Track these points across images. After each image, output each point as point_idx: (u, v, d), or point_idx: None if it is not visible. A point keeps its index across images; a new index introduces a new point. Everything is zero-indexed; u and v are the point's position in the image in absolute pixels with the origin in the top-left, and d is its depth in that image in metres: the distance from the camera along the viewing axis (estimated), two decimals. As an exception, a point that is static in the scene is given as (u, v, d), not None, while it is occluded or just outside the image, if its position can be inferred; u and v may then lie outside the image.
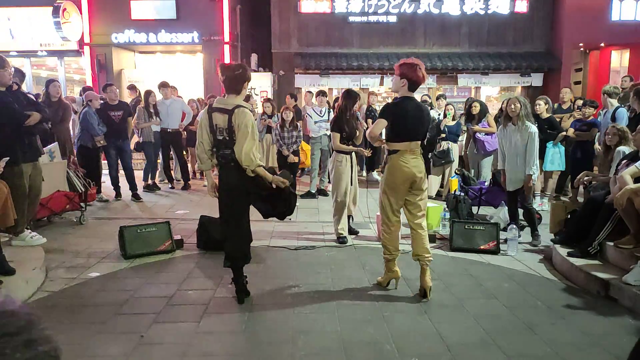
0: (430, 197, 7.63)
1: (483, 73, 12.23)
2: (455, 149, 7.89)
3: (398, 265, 4.08)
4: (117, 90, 8.00)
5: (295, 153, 7.65)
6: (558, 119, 7.66)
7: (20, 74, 5.67)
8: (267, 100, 8.85)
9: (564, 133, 6.95)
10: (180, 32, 12.15)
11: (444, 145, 7.74)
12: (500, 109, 8.58)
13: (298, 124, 7.71)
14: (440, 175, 7.88)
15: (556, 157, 6.96)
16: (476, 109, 7.72)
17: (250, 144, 3.48)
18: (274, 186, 3.66)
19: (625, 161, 4.77)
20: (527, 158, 5.18)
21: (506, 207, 5.90)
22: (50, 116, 5.58)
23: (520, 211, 5.61)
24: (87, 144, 7.27)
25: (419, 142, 3.96)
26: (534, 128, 5.23)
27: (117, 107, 7.61)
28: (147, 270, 4.49)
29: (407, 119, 3.84)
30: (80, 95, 8.63)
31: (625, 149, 5.06)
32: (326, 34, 12.68)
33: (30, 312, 0.67)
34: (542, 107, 6.66)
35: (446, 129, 7.82)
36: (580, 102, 7.86)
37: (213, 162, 3.73)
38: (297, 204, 3.73)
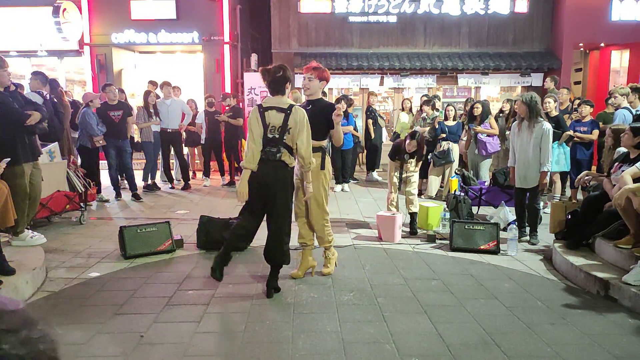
0: (430, 197, 7.65)
1: (483, 73, 12.21)
2: (456, 149, 7.89)
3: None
4: (117, 90, 7.99)
5: None
6: None
7: None
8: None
9: (568, 133, 6.95)
10: (180, 32, 12.14)
11: (444, 145, 7.74)
12: (501, 109, 8.58)
13: None
14: (440, 175, 7.88)
15: (561, 157, 6.95)
16: (478, 110, 7.72)
17: (310, 140, 3.74)
18: (308, 193, 3.93)
19: (617, 164, 4.78)
20: (542, 155, 5.24)
21: (506, 207, 5.90)
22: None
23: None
24: (86, 145, 7.28)
25: None
26: (547, 125, 5.29)
27: (117, 107, 7.61)
28: (147, 270, 4.49)
29: None
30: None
31: (624, 149, 5.06)
32: (326, 34, 12.66)
33: (30, 312, 0.68)
34: (552, 105, 6.67)
35: (446, 129, 7.81)
36: (577, 103, 7.86)
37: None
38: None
